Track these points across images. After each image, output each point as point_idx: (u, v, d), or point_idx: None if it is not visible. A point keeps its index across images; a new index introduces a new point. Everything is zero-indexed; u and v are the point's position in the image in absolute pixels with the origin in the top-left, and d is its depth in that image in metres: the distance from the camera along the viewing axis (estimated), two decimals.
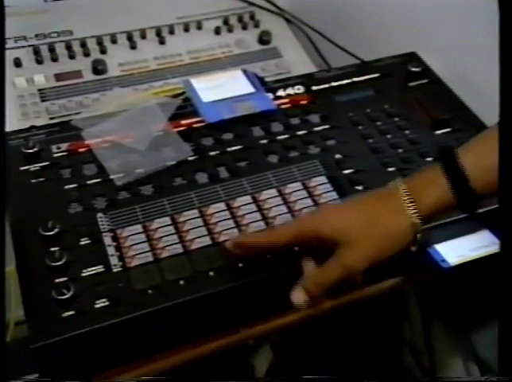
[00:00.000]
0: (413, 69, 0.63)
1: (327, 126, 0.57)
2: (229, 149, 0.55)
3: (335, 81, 0.62)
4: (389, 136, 0.56)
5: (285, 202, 0.50)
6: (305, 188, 0.51)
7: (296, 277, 0.43)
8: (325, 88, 0.61)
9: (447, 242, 0.49)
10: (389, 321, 0.70)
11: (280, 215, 0.49)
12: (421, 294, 0.66)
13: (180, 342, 0.45)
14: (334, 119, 0.58)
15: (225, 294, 0.44)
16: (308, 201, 0.50)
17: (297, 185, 0.51)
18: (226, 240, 0.46)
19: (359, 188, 0.52)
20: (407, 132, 0.57)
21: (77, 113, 0.61)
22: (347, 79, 0.62)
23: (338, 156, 0.55)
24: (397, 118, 0.58)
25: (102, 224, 0.48)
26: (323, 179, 0.52)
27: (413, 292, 0.67)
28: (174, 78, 0.67)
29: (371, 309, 0.64)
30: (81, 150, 0.54)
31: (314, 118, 0.58)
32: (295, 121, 0.58)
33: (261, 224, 0.48)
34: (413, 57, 0.65)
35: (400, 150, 0.55)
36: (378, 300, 0.50)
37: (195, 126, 0.57)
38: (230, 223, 0.48)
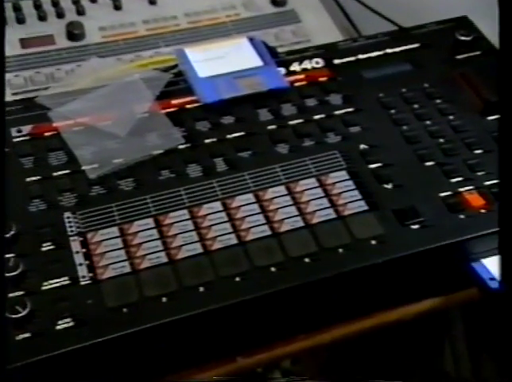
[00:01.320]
0: (462, 38, 0.61)
1: (350, 109, 0.57)
2: (229, 136, 0.54)
3: (363, 53, 0.61)
4: (428, 122, 0.55)
5: (296, 203, 0.49)
6: (321, 185, 0.50)
7: None
8: (350, 62, 0.61)
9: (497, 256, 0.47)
10: (427, 349, 0.69)
11: (288, 218, 0.48)
12: (467, 319, 0.65)
13: (162, 373, 0.44)
14: (360, 101, 0.57)
15: (216, 315, 0.43)
16: (324, 202, 0.49)
17: (311, 182, 0.50)
18: (222, 248, 0.45)
19: (388, 186, 0.50)
20: (451, 117, 0.56)
21: (46, 88, 0.60)
22: (378, 50, 0.61)
23: (363, 146, 0.53)
24: (438, 100, 0.57)
25: (70, 226, 0.47)
26: (343, 175, 0.51)
27: (458, 316, 0.66)
28: (167, 47, 0.66)
29: (406, 333, 0.63)
30: (47, 134, 0.53)
31: (335, 98, 0.57)
32: (311, 102, 0.57)
33: (265, 228, 0.47)
34: (463, 23, 0.63)
35: (441, 140, 0.54)
36: (415, 323, 0.50)
37: (188, 107, 0.56)
38: (227, 227, 0.47)
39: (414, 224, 0.48)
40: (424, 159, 0.52)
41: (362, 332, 0.49)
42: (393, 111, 0.56)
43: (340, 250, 0.46)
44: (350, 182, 0.51)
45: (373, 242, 0.47)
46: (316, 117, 0.56)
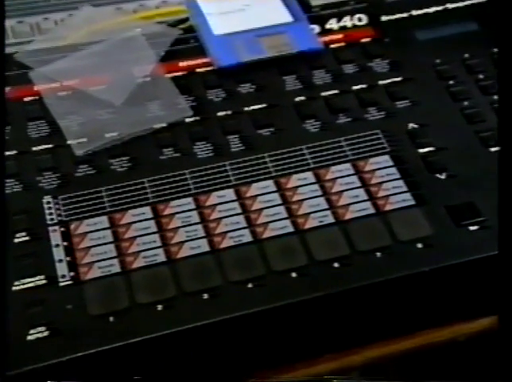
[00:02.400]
0: None
1: (398, 79, 0.55)
2: (247, 108, 0.53)
3: (417, 8, 0.60)
4: (495, 97, 0.54)
5: (325, 193, 0.48)
6: (358, 172, 0.49)
7: None
8: (400, 19, 0.60)
9: None
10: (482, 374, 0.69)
11: (315, 213, 0.46)
12: None
13: None
14: (410, 68, 0.56)
15: (223, 328, 0.42)
16: (361, 194, 0.48)
17: (346, 168, 0.49)
18: (232, 247, 0.44)
19: (441, 176, 0.49)
20: None
21: (29, 41, 0.59)
22: (437, 5, 0.60)
23: (412, 125, 0.52)
24: None
25: (50, 213, 0.46)
26: (385, 160, 0.50)
27: None
28: None
29: (459, 354, 0.62)
30: (27, 99, 0.53)
31: (380, 65, 0.56)
32: (349, 68, 0.56)
33: (287, 224, 0.45)
34: None
35: None
36: (469, 343, 0.49)
37: (198, 70, 0.55)
38: (240, 221, 0.46)
39: (472, 224, 0.46)
40: (488, 143, 0.51)
41: (401, 353, 0.47)
42: (451, 82, 0.55)
43: (378, 254, 0.45)
44: (393, 170, 0.49)
45: (419, 245, 0.45)
46: (355, 87, 0.55)
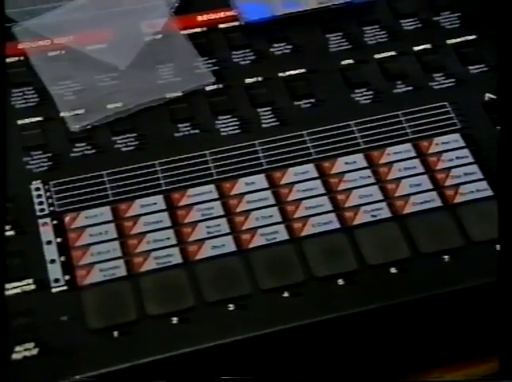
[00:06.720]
0: None
1: (471, 37, 0.54)
2: (281, 74, 0.52)
3: None
4: None
5: (379, 181, 0.47)
6: (420, 155, 0.48)
7: None
8: None
9: None
10: None
11: (366, 205, 0.45)
12: None
13: None
14: (484, 25, 0.54)
15: (249, 347, 0.41)
16: (423, 181, 0.46)
17: (405, 149, 0.48)
18: (264, 246, 0.43)
19: None
20: None
21: None
22: None
23: (489, 96, 0.51)
24: None
25: (40, 202, 0.45)
26: (455, 139, 0.49)
27: None
28: None
29: None
30: (10, 59, 0.52)
31: (448, 19, 0.55)
32: (410, 24, 0.55)
33: (331, 219, 0.44)
34: None
35: None
36: None
37: (221, 26, 0.55)
38: (273, 214, 0.45)
39: None
40: None
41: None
42: None
43: (445, 257, 0.43)
44: (465, 151, 0.48)
45: (497, 247, 0.43)
46: (416, 48, 0.54)
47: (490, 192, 0.46)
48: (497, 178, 0.46)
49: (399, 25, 0.55)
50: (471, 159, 0.48)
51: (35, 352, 0.41)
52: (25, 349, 0.41)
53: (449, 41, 0.54)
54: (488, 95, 0.52)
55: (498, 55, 0.46)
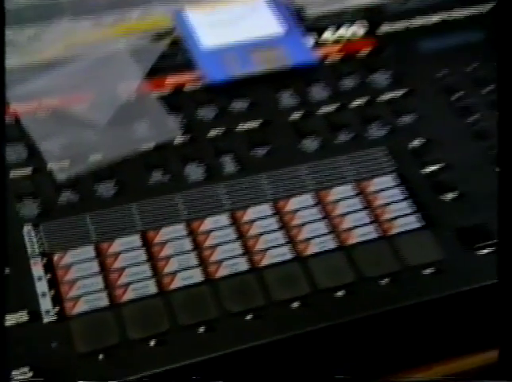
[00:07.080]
0: None
1: (400, 93, 0.56)
2: (240, 127, 0.54)
3: (419, 17, 0.61)
4: None
5: (326, 217, 0.49)
6: (360, 194, 0.50)
7: None
8: (401, 31, 0.60)
9: None
10: None
11: (315, 238, 0.48)
12: None
13: None
14: (413, 81, 0.57)
15: (220, 365, 0.43)
16: (364, 217, 0.49)
17: (347, 190, 0.50)
18: (229, 276, 0.45)
19: (450, 196, 0.50)
20: None
21: None
22: (439, 13, 0.61)
23: (417, 142, 0.53)
24: None
25: (31, 244, 0.47)
26: (390, 180, 0.51)
27: None
28: (162, 5, 0.65)
29: None
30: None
31: (380, 78, 0.57)
32: (349, 82, 0.57)
33: (286, 251, 0.47)
34: None
35: None
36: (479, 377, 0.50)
37: (187, 87, 0.56)
38: (236, 248, 0.47)
39: (485, 247, 0.47)
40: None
41: None
42: (458, 95, 0.56)
43: (385, 281, 0.46)
44: (397, 190, 0.50)
45: (428, 271, 0.46)
46: (355, 103, 0.56)
47: (420, 224, 0.48)
48: (497, 178, 0.47)
49: (339, 84, 0.57)
50: (403, 196, 0.50)
51: (29, 375, 0.42)
52: (21, 373, 0.42)
53: (382, 97, 0.56)
54: (416, 142, 0.53)
55: (497, 55, 0.46)
